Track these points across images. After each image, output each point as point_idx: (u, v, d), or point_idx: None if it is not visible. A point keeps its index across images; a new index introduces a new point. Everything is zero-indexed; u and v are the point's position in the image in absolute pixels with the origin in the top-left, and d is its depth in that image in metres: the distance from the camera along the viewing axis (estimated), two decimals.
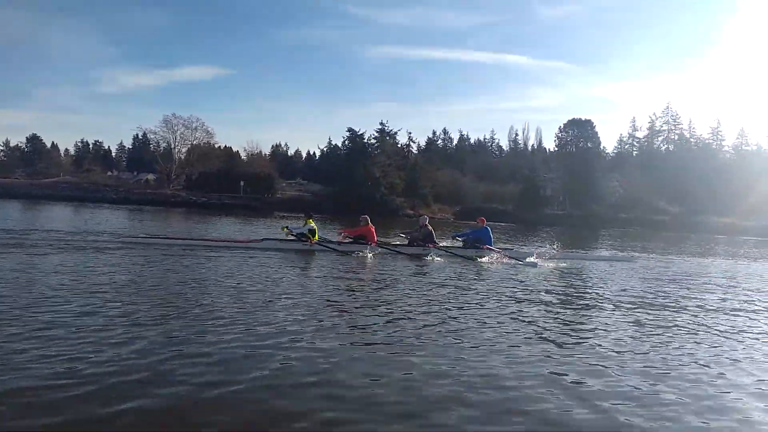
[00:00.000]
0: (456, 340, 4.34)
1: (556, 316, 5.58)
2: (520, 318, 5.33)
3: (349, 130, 48.53)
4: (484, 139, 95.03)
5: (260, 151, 61.43)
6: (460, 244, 11.55)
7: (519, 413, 2.89)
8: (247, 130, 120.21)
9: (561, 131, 54.80)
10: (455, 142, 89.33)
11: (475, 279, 8.15)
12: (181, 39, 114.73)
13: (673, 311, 6.18)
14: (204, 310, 4.91)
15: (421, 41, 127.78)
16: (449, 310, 5.58)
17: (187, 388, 2.99)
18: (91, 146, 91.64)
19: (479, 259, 10.48)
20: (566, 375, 3.54)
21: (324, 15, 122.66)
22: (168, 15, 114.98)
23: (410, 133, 54.15)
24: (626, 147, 76.56)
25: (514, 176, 59.33)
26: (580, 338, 4.64)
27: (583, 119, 52.90)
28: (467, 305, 5.89)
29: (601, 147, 56.91)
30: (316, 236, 10.84)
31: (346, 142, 49.21)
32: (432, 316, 5.23)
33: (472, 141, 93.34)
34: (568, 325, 5.16)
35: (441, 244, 11.47)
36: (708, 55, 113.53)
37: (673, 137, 73.35)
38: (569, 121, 54.08)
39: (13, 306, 4.60)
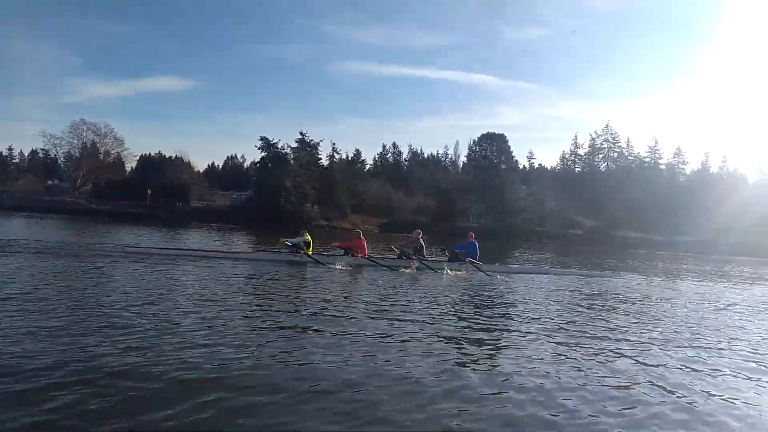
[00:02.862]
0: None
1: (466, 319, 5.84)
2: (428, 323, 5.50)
3: (262, 139, 47.69)
4: (437, 154, 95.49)
5: (188, 161, 59.95)
6: (446, 257, 11.80)
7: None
8: (215, 141, 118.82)
9: (475, 144, 54.78)
10: (404, 156, 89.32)
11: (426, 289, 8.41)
12: (147, 50, 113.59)
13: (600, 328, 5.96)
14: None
15: (390, 59, 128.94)
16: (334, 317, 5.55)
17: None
18: (40, 155, 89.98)
19: (455, 273, 10.88)
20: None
21: (294, 31, 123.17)
22: (133, 25, 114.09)
23: (334, 144, 53.25)
24: (569, 164, 78.10)
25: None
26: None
27: (497, 133, 53.09)
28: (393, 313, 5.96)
29: (514, 161, 56.89)
30: (310, 249, 11.14)
31: (260, 152, 48.20)
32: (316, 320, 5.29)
33: (426, 156, 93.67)
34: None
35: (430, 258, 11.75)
36: (666, 80, 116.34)
37: (612, 155, 75.11)
38: (483, 135, 54.30)
39: None
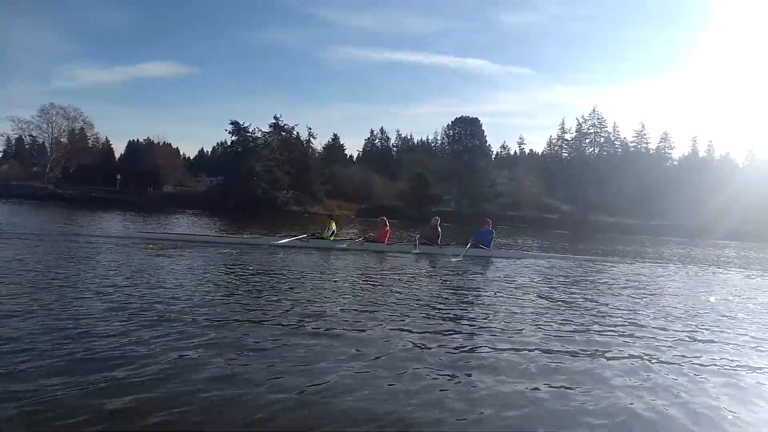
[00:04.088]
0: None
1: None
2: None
3: (233, 122, 46.91)
4: (428, 140, 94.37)
5: (172, 146, 59.24)
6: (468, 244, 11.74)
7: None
8: (209, 127, 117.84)
9: (449, 128, 53.90)
10: (392, 141, 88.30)
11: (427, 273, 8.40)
12: (142, 36, 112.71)
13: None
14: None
15: (383, 44, 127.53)
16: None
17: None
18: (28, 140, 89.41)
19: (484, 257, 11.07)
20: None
21: (287, 16, 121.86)
22: (128, 11, 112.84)
23: (310, 128, 52.43)
24: (555, 149, 77.14)
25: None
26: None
27: (470, 117, 52.10)
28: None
29: (488, 145, 56.04)
30: (332, 237, 11.41)
31: (231, 136, 47.43)
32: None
33: (415, 141, 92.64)
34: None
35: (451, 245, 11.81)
36: (657, 67, 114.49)
37: (599, 140, 74.09)
38: (456, 119, 53.33)
39: None
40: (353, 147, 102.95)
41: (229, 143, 47.31)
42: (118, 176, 46.72)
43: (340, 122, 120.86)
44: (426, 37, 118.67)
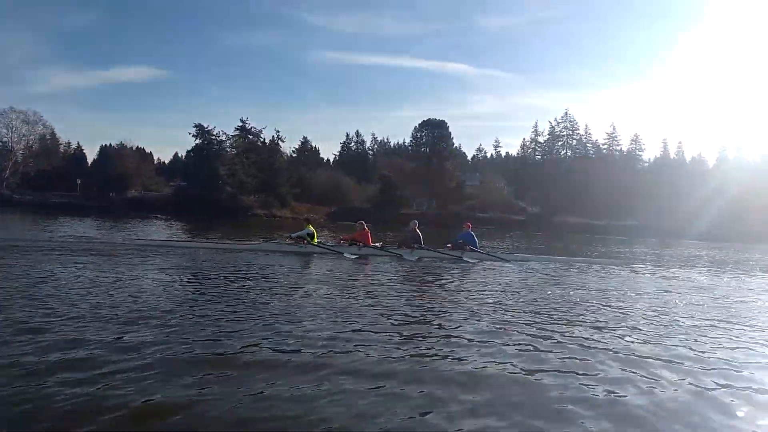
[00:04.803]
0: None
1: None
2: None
3: (197, 126, 46.32)
4: (404, 142, 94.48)
5: (133, 148, 58.08)
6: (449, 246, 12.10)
7: None
8: (187, 132, 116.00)
9: (416, 131, 54.09)
10: (368, 145, 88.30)
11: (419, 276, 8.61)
12: (116, 39, 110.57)
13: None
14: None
15: (364, 48, 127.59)
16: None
17: None
18: None
19: (464, 259, 11.27)
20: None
21: (265, 19, 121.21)
22: (100, 14, 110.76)
23: (278, 131, 52.02)
24: (528, 151, 77.88)
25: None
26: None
27: (437, 119, 52.42)
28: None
29: (455, 147, 56.32)
30: (314, 240, 11.47)
31: (195, 139, 46.80)
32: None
33: (392, 145, 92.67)
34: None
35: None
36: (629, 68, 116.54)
37: (571, 142, 75.00)
38: (423, 121, 53.58)
39: None
40: (334, 151, 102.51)
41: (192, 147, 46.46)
42: (79, 181, 45.76)
43: (323, 125, 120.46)
44: (406, 41, 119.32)
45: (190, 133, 45.67)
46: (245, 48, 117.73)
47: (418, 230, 12.02)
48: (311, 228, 11.56)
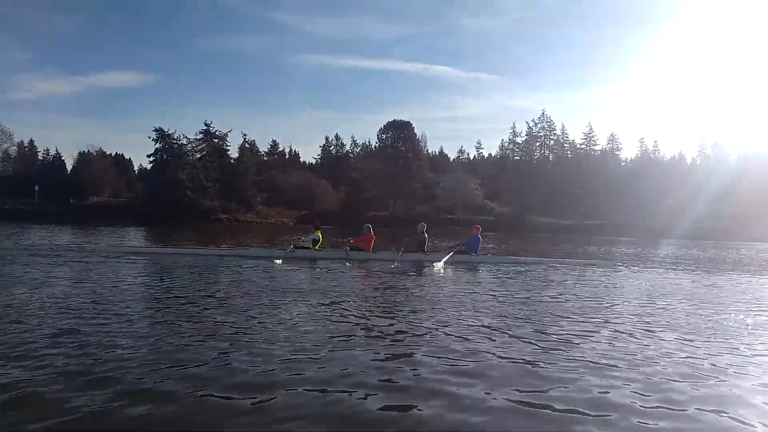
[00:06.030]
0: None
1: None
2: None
3: (157, 130, 45.37)
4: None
5: (100, 153, 56.98)
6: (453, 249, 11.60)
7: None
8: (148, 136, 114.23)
9: (381, 132, 53.49)
10: (347, 148, 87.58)
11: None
12: (99, 45, 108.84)
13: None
14: None
15: (348, 50, 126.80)
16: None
17: None
18: None
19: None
20: None
21: (251, 22, 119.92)
22: (82, 19, 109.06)
23: (245, 135, 51.06)
24: (506, 152, 77.50)
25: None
26: None
27: (403, 121, 51.86)
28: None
29: (421, 148, 55.75)
30: (317, 246, 11.34)
31: (155, 144, 45.81)
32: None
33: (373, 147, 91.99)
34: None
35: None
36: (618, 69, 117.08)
37: (548, 143, 74.78)
38: (388, 123, 53.03)
39: None
40: (315, 154, 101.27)
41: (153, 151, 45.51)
42: (36, 188, 44.63)
43: (307, 129, 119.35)
44: (391, 43, 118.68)
45: (149, 137, 44.76)
46: (228, 52, 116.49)
47: (425, 234, 11.70)
48: (319, 234, 11.48)
